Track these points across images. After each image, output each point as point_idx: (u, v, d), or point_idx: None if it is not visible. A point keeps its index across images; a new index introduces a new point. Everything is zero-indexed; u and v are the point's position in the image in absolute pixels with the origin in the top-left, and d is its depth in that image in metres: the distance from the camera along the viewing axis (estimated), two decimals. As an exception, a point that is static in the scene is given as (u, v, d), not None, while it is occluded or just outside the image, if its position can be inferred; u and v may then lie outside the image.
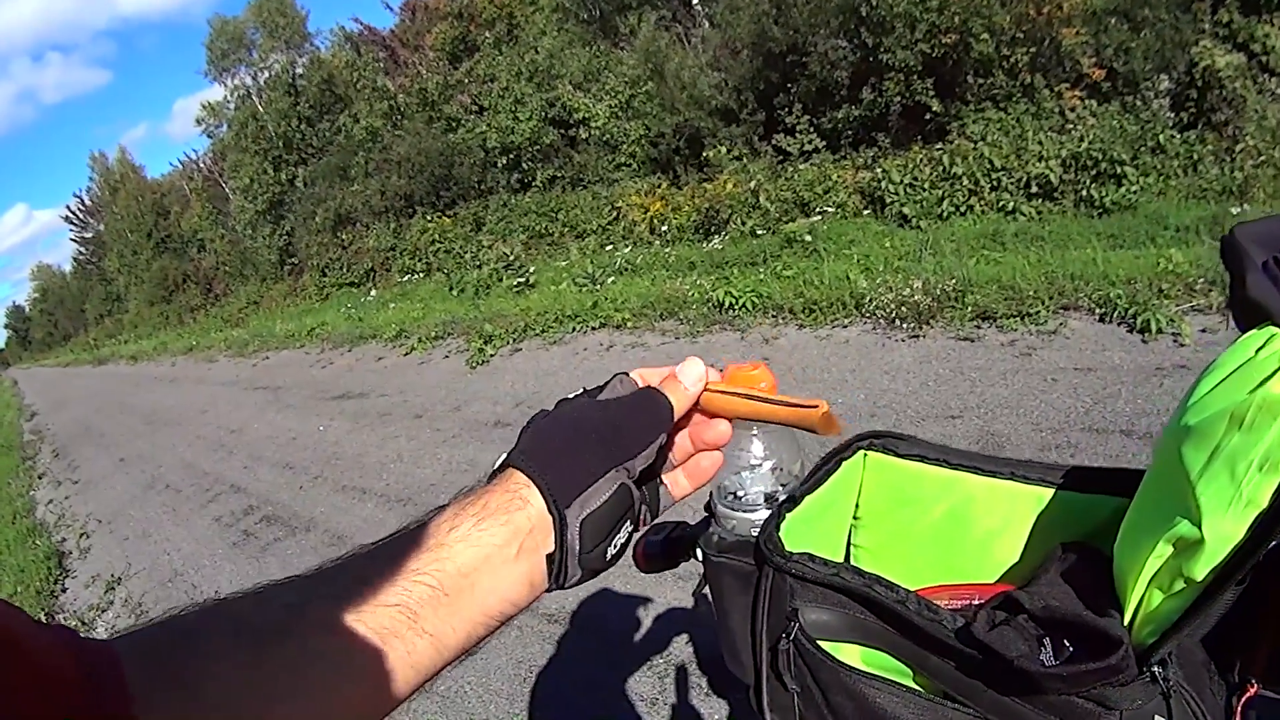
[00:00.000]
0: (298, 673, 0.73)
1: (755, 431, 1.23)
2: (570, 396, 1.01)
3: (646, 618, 4.56)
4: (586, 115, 21.20)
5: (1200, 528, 0.88)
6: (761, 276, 11.26)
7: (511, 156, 23.25)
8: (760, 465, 1.25)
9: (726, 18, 18.57)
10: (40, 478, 15.97)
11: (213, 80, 39.12)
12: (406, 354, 15.01)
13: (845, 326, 8.85)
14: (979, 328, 7.69)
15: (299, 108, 32.46)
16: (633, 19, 22.19)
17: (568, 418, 0.95)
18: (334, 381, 15.10)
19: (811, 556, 1.11)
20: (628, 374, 1.07)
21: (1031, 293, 7.67)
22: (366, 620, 0.76)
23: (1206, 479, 0.88)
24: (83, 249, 69.67)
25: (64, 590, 8.99)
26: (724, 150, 17.31)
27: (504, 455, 0.91)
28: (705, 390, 1.08)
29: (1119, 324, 6.84)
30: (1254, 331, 0.88)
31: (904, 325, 8.21)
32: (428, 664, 0.81)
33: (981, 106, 14.15)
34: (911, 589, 1.24)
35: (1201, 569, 0.89)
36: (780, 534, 1.14)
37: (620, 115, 20.93)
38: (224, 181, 41.93)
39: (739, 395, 1.08)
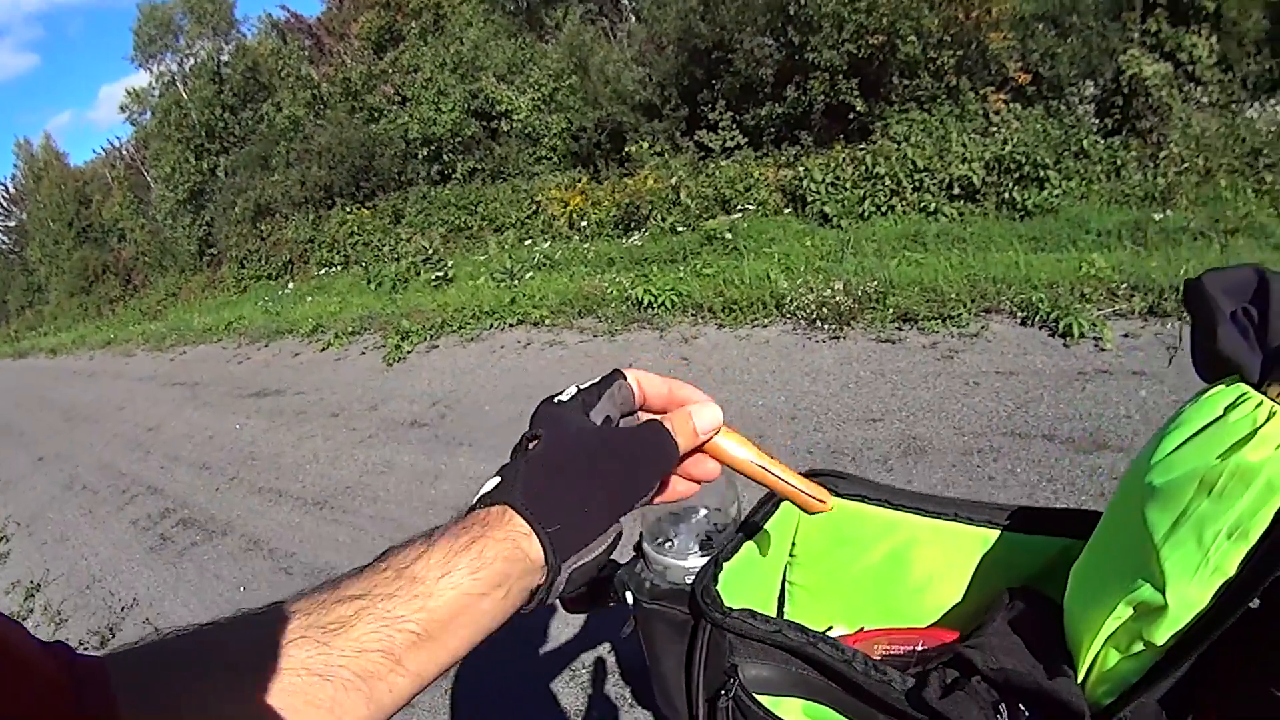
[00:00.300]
0: (278, 707, 0.71)
1: None
2: (565, 400, 0.98)
3: (573, 625, 4.55)
4: (509, 108, 21.17)
5: (1164, 593, 0.89)
6: (681, 274, 11.25)
7: (433, 148, 23.12)
8: (696, 511, 1.27)
9: (653, 13, 18.69)
10: (-45, 478, 15.76)
11: (139, 66, 38.69)
12: (323, 350, 14.85)
13: (765, 326, 8.84)
14: (900, 329, 7.69)
15: (223, 96, 32.17)
16: (559, 12, 22.27)
17: (576, 459, 0.89)
18: (251, 378, 14.94)
19: (752, 613, 1.10)
20: (625, 377, 1.01)
21: (953, 295, 7.68)
22: (350, 665, 0.73)
23: (1172, 544, 0.89)
24: (5, 238, 68.86)
25: None
26: (646, 145, 17.34)
27: (497, 481, 0.87)
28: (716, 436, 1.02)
29: (1041, 328, 6.88)
30: (1222, 387, 0.91)
31: (825, 326, 8.19)
32: (407, 695, 0.78)
33: (906, 107, 14.26)
34: (850, 630, 1.35)
35: (1163, 634, 0.90)
36: (717, 586, 1.15)
37: (543, 108, 20.95)
38: (146, 170, 41.56)
39: (750, 461, 1.03)
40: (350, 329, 15.05)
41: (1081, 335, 6.51)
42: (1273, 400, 0.87)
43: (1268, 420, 0.85)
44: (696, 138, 17.03)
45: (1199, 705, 1.00)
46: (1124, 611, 0.96)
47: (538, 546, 0.82)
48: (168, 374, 18.86)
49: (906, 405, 6.19)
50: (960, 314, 7.41)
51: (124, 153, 46.50)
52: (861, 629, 1.35)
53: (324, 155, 25.11)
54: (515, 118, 21.12)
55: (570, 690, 4.16)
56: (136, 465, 11.43)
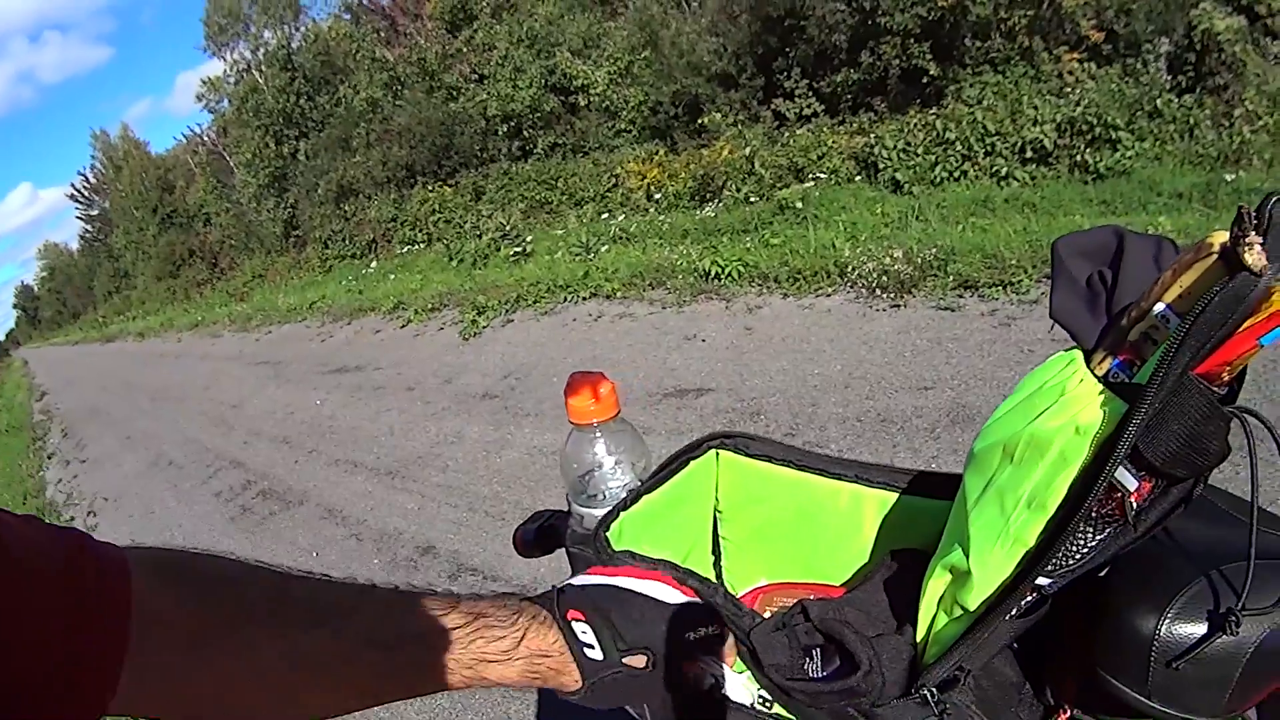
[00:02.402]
0: (296, 662, 0.81)
1: (598, 433, 1.37)
2: (691, 639, 1.04)
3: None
4: (586, 82, 21.22)
5: (969, 559, 0.93)
6: (749, 245, 11.22)
7: (512, 124, 23.27)
8: (604, 464, 1.39)
9: (725, -17, 18.50)
10: (50, 457, 16.20)
11: (212, 55, 39.24)
12: (403, 326, 15.04)
13: (828, 295, 8.80)
14: (961, 297, 7.61)
15: (296, 82, 32.39)
16: (630, -16, 22.17)
17: (644, 696, 1.03)
18: (332, 355, 15.18)
19: (633, 555, 1.19)
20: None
21: (1015, 261, 7.57)
22: (382, 669, 0.86)
23: (979, 510, 0.93)
24: (89, 226, 70.02)
25: None
26: (721, 116, 17.25)
27: (599, 658, 0.96)
28: None
29: (1101, 293, 6.70)
30: (1062, 353, 0.94)
31: (886, 295, 8.14)
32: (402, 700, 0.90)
33: (979, 70, 14.07)
34: (761, 583, 1.45)
35: (973, 600, 0.94)
36: (608, 532, 1.24)
37: (619, 82, 20.97)
38: (227, 156, 42.01)
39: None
40: (430, 305, 15.21)
41: (1142, 300, 6.32)
42: (1093, 368, 0.88)
43: (1076, 387, 0.86)
44: (773, 106, 16.93)
45: (1057, 678, 1.05)
46: (944, 575, 1.00)
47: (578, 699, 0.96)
48: (253, 353, 19.27)
49: (960, 374, 6.15)
50: (1021, 280, 7.31)
51: (205, 139, 47.13)
52: (768, 584, 1.42)
53: (404, 135, 25.29)
54: (593, 92, 21.17)
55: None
56: (220, 441, 11.76)
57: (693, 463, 1.39)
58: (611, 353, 9.35)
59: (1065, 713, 1.05)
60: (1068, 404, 0.85)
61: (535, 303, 12.60)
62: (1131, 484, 0.80)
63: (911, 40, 14.33)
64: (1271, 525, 0.93)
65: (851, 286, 8.66)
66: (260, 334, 21.92)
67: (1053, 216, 9.43)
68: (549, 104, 22.32)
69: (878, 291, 8.22)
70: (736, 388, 7.21)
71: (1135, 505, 0.81)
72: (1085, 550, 0.86)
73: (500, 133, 23.65)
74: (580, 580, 1.08)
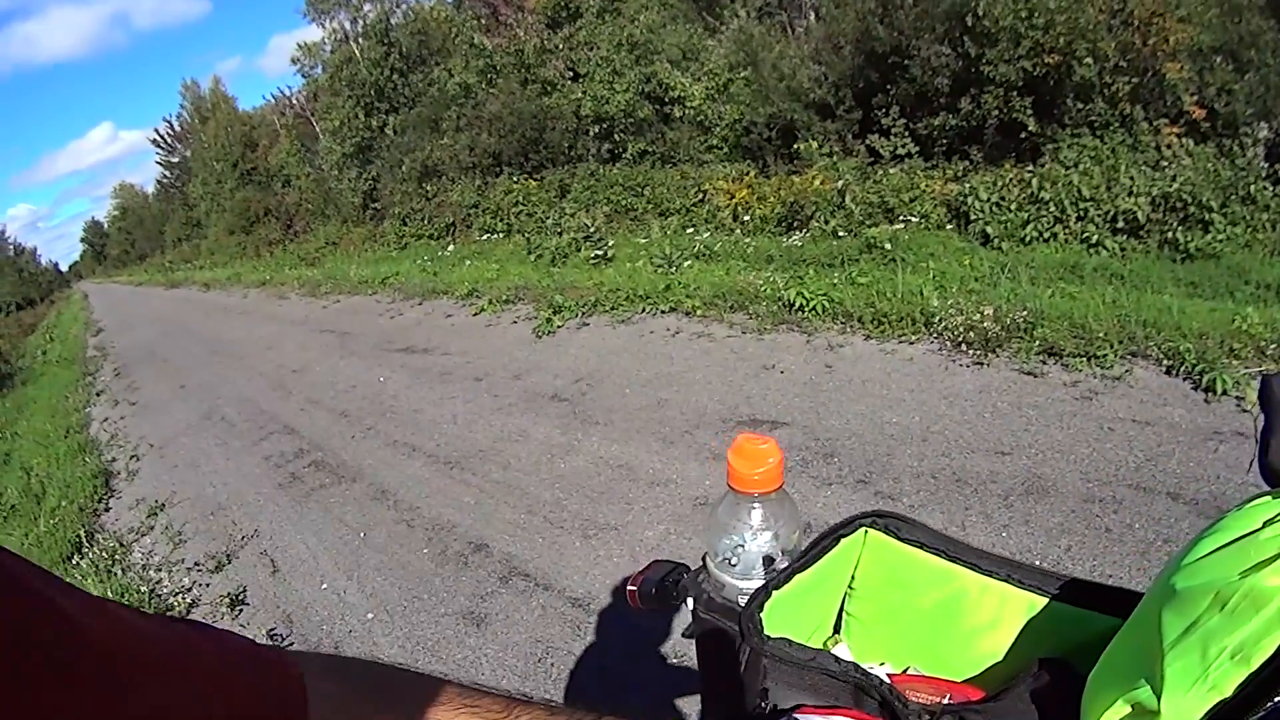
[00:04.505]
0: None
1: (756, 501, 1.33)
2: None
3: (675, 621, 4.47)
4: (682, 94, 21.13)
5: (1159, 699, 0.89)
6: (835, 280, 11.17)
7: (604, 126, 23.16)
8: (758, 535, 1.35)
9: (832, 12, 18.45)
10: (99, 395, 16.42)
11: (310, 20, 39.36)
12: (476, 314, 15.03)
13: (912, 343, 8.78)
14: (1044, 363, 7.58)
15: (391, 58, 32.46)
16: (735, 2, 22.08)
17: None
18: (401, 333, 15.17)
19: (790, 642, 1.17)
20: None
21: (1101, 334, 7.54)
22: None
23: (1178, 652, 0.89)
24: (167, 173, 70.52)
25: (107, 510, 9.32)
26: (816, 145, 17.18)
27: None
28: None
29: (1185, 379, 6.72)
30: (1266, 498, 0.89)
31: (970, 350, 8.12)
32: None
33: (1078, 132, 13.97)
34: (896, 670, 1.37)
35: None
36: (762, 614, 1.21)
37: (716, 98, 20.85)
38: (315, 121, 42.10)
39: None
40: (504, 297, 15.24)
41: (1224, 393, 6.31)
42: None
43: None
44: (868, 142, 16.82)
45: None
46: (1123, 708, 0.98)
47: None
48: (319, 320, 19.35)
49: (1037, 442, 6.13)
50: (1106, 354, 7.27)
51: (294, 102, 47.22)
52: (906, 670, 1.41)
53: (494, 123, 25.25)
54: (688, 105, 21.07)
55: (659, 675, 4.26)
56: (277, 404, 11.88)
57: (843, 540, 1.40)
58: (687, 371, 9.34)
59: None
60: None
61: (613, 309, 12.61)
62: None
63: (1014, 93, 14.28)
64: None
65: (936, 337, 8.65)
66: (329, 302, 22.00)
67: (1141, 292, 9.34)
68: (643, 111, 22.20)
69: (962, 346, 8.21)
70: (812, 426, 7.19)
71: None
72: (1271, 707, 0.83)
73: (591, 133, 23.55)
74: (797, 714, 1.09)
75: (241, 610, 6.19)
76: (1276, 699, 0.81)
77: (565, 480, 7.11)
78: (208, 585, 6.73)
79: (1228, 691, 0.84)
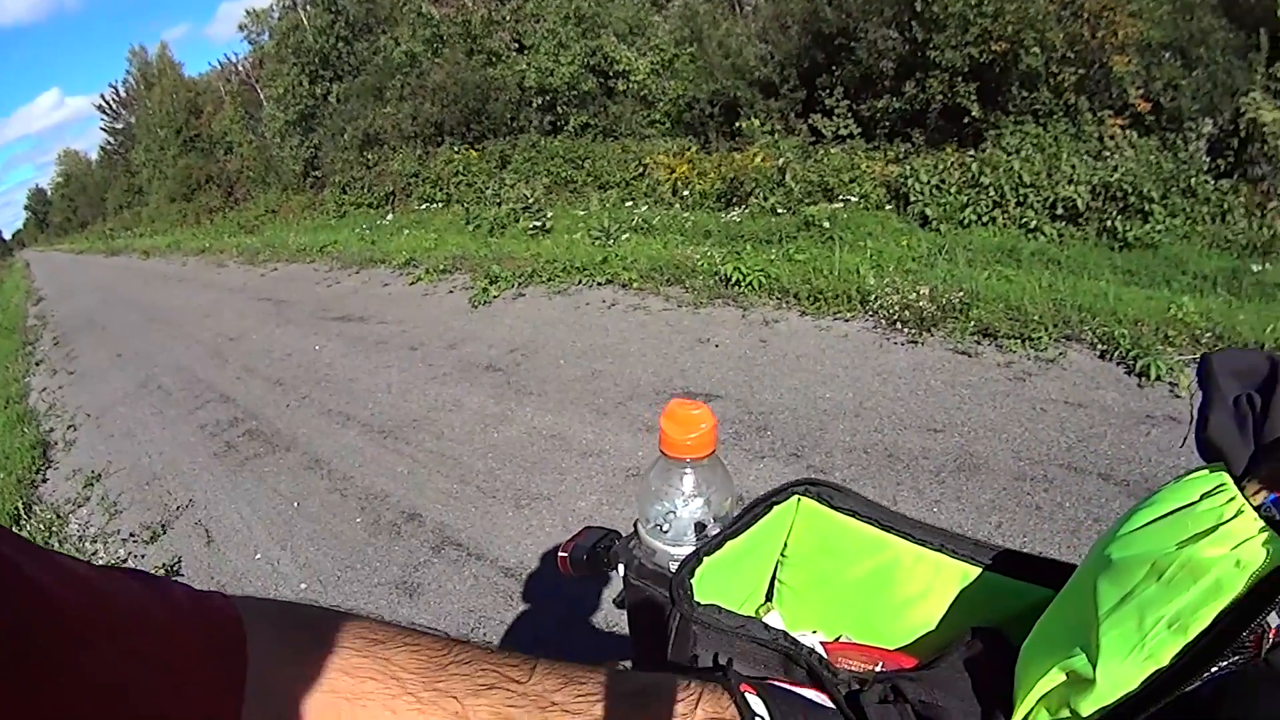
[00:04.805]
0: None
1: (688, 467, 1.30)
2: None
3: (606, 590, 4.57)
4: (627, 68, 21.17)
5: (1095, 668, 0.89)
6: (773, 257, 11.19)
7: (547, 98, 23.14)
8: (690, 500, 1.32)
9: (782, -9, 18.51)
10: (38, 364, 16.24)
11: (259, -14, 38.92)
12: (412, 283, 14.98)
13: (847, 321, 8.79)
14: (978, 344, 7.60)
15: (337, 26, 32.29)
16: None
17: None
18: (338, 302, 15.11)
19: (719, 609, 1.13)
20: None
21: (1037, 317, 7.58)
22: None
23: (1113, 620, 0.89)
24: (112, 139, 70.16)
25: (44, 481, 9.19)
26: (758, 123, 17.25)
27: None
28: None
29: (1118, 363, 6.76)
30: (1203, 472, 0.91)
31: (905, 329, 8.14)
32: None
33: (1021, 119, 14.11)
34: (829, 639, 1.32)
35: (1088, 707, 0.90)
36: (693, 580, 1.17)
37: (661, 73, 20.90)
38: (259, 89, 41.93)
39: None
40: (441, 267, 15.18)
41: (1158, 378, 6.36)
42: (1248, 497, 0.87)
43: (1234, 517, 0.86)
44: (810, 121, 16.95)
45: None
46: (1058, 676, 0.97)
47: None
48: (257, 288, 19.19)
49: (970, 421, 6.15)
50: (1040, 337, 7.31)
51: (240, 69, 47.08)
52: (839, 638, 1.37)
53: (438, 93, 25.21)
54: (632, 79, 21.10)
55: (593, 647, 4.26)
56: (213, 373, 11.73)
57: (775, 508, 1.34)
58: (622, 343, 9.32)
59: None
60: (1227, 535, 0.85)
61: (549, 280, 12.57)
62: (1275, 622, 0.81)
63: (959, 79, 14.34)
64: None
65: (871, 315, 8.66)
66: (267, 270, 21.87)
67: (1078, 277, 9.42)
68: (587, 84, 22.19)
69: (897, 325, 8.22)
70: (746, 399, 7.19)
71: (1271, 641, 0.81)
72: (1206, 676, 0.84)
73: (534, 105, 23.53)
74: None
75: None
76: (1214, 669, 0.82)
77: (498, 450, 7.09)
78: (143, 557, 6.62)
79: (1164, 661, 0.86)
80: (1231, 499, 0.86)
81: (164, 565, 6.22)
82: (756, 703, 0.92)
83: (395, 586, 5.31)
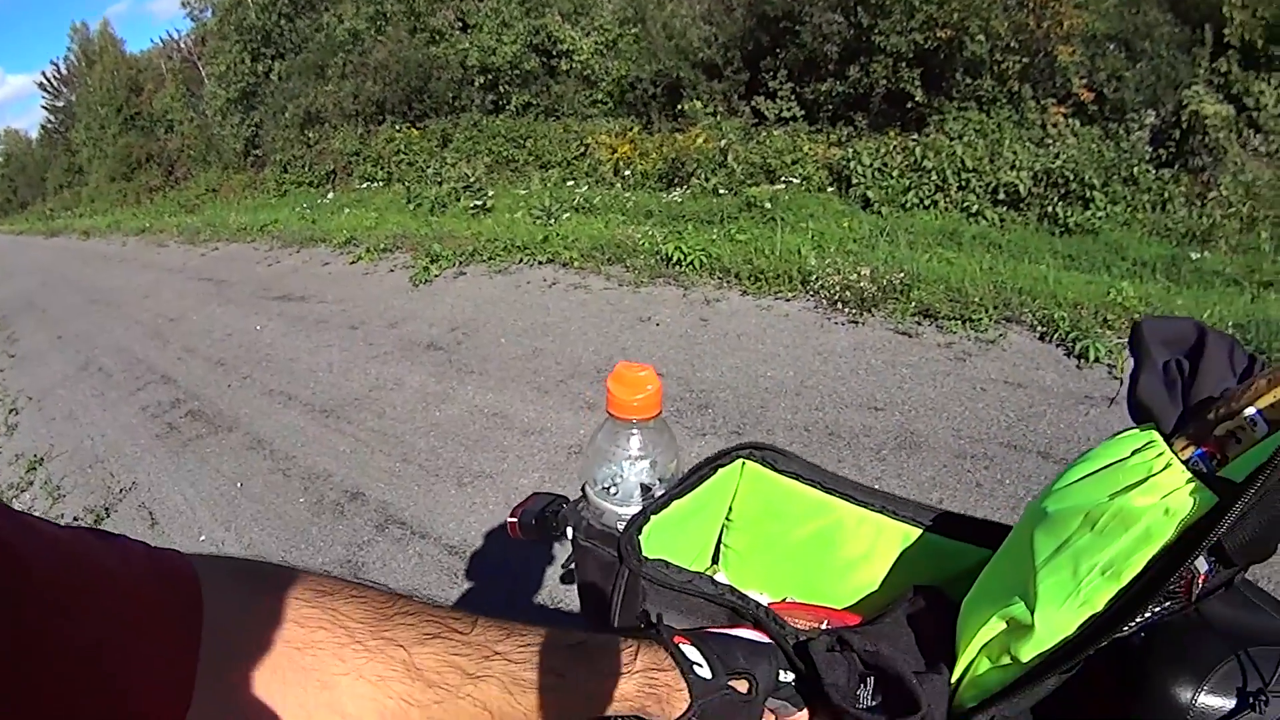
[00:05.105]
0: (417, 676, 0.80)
1: (635, 428, 1.33)
2: (781, 680, 1.06)
3: (550, 569, 4.59)
4: (570, 47, 21.06)
5: (1033, 614, 0.95)
6: (714, 237, 11.23)
7: (490, 77, 22.95)
8: (636, 461, 1.35)
9: (727, -28, 18.50)
10: (-24, 350, 15.91)
11: (201, -39, 38.40)
12: (353, 262, 14.86)
13: (788, 300, 8.84)
14: (919, 324, 7.67)
15: (280, 3, 31.99)
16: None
17: None
18: (278, 281, 14.99)
19: (667, 564, 1.18)
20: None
21: (977, 299, 7.65)
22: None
23: (1050, 569, 0.96)
24: (52, 118, 68.99)
25: None
26: (701, 104, 17.27)
27: (706, 679, 0.96)
28: None
29: (1058, 345, 6.85)
30: (1134, 431, 1.02)
31: (846, 309, 8.18)
32: None
33: (965, 105, 14.21)
34: (773, 599, 1.36)
35: (1028, 652, 0.96)
36: (641, 537, 1.21)
37: (604, 53, 20.84)
38: (201, 66, 41.50)
39: None
40: (382, 246, 15.07)
41: (1096, 360, 6.44)
42: (1176, 453, 0.95)
43: (1163, 470, 0.92)
44: (753, 104, 16.98)
45: None
46: (998, 624, 1.01)
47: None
48: (197, 268, 18.93)
49: (911, 400, 6.21)
50: (981, 318, 7.38)
51: (182, 46, 46.44)
52: (784, 600, 1.41)
53: (380, 71, 24.99)
54: (576, 58, 21.01)
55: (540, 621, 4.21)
56: (154, 354, 11.57)
57: (720, 470, 1.38)
58: (563, 322, 9.33)
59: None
60: (1157, 485, 0.90)
61: (490, 259, 12.53)
62: (1203, 568, 0.85)
63: (903, 64, 14.40)
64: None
65: (812, 295, 8.70)
66: (207, 249, 21.58)
67: (1018, 261, 9.55)
68: (530, 63, 22.07)
69: (839, 305, 8.26)
70: (687, 377, 7.22)
71: (1200, 585, 0.86)
72: (1140, 620, 0.89)
73: (476, 84, 23.29)
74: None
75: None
76: (1148, 615, 0.87)
77: (440, 428, 7.10)
78: (88, 540, 6.52)
79: (1099, 606, 0.91)
80: (1161, 454, 0.94)
81: (109, 549, 6.12)
82: (692, 651, 0.98)
83: (340, 565, 5.30)
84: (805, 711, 1.06)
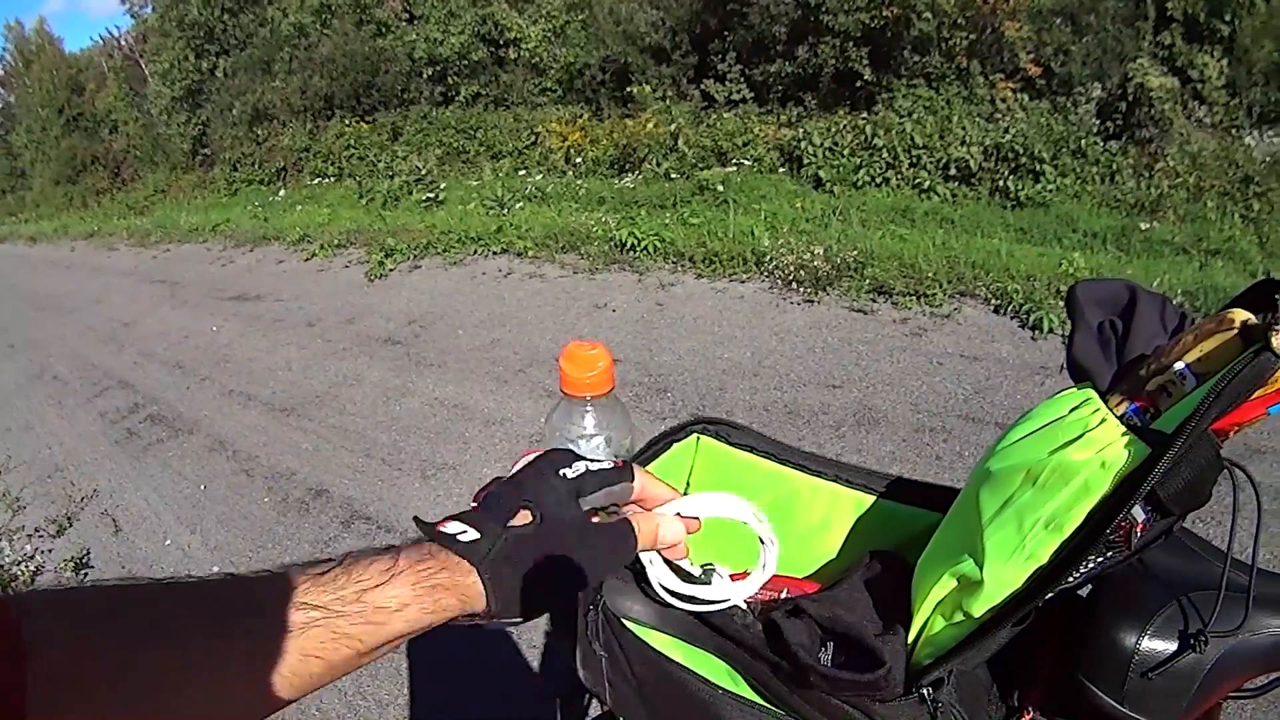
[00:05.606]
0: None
1: (589, 405, 1.33)
2: (569, 478, 1.01)
3: None
4: (518, 36, 20.98)
5: (982, 570, 0.99)
6: (668, 221, 11.25)
7: (438, 69, 22.80)
8: (591, 438, 1.34)
9: (673, -44, 18.46)
10: (-75, 363, 15.75)
11: (139, -45, 37.90)
12: (307, 259, 14.79)
13: (743, 282, 8.89)
14: (874, 301, 7.74)
15: (222, -1, 31.70)
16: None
17: (552, 555, 0.94)
18: (232, 281, 14.85)
19: None
20: (633, 478, 1.06)
21: (931, 274, 7.72)
22: (292, 668, 0.79)
23: (995, 526, 1.00)
24: (-9, 121, 68.24)
25: None
26: (650, 89, 17.23)
27: (475, 537, 0.92)
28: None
29: (1012, 317, 6.94)
30: (1073, 390, 1.06)
31: (801, 289, 8.24)
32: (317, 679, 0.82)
33: (914, 83, 14.22)
34: (732, 571, 1.29)
35: (979, 608, 1.01)
36: None
37: (552, 40, 20.77)
38: (144, 63, 41.03)
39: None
40: (336, 241, 14.99)
41: (1050, 330, 6.53)
42: (1111, 409, 1.00)
43: (1099, 425, 0.96)
44: (702, 87, 16.95)
45: (1027, 676, 1.14)
46: (949, 583, 1.06)
47: (488, 608, 0.89)
48: (149, 270, 18.71)
49: (868, 376, 6.27)
50: (935, 293, 7.45)
51: (122, 44, 45.70)
52: (744, 572, 1.35)
53: (327, 66, 24.77)
54: (524, 47, 20.93)
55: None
56: (109, 359, 11.46)
57: (675, 445, 1.42)
58: (519, 311, 9.34)
59: (1029, 714, 1.14)
60: (1093, 440, 0.94)
61: (445, 251, 12.50)
62: (1140, 517, 0.89)
63: (851, 43, 14.41)
64: (1231, 564, 1.04)
65: (767, 276, 8.76)
66: (158, 251, 21.39)
67: (971, 236, 9.62)
68: (478, 53, 21.93)
69: (793, 285, 8.32)
70: (645, 362, 7.25)
71: (1139, 535, 0.90)
72: (1084, 571, 0.93)
73: (425, 75, 23.13)
74: None
75: (86, 574, 6.00)
76: (1091, 565, 0.92)
77: (401, 422, 7.12)
78: (50, 551, 6.49)
79: (1044, 559, 0.96)
80: (1096, 410, 0.99)
81: (73, 558, 6.10)
82: (452, 525, 0.94)
83: (308, 564, 5.24)
84: (638, 484, 1.06)
